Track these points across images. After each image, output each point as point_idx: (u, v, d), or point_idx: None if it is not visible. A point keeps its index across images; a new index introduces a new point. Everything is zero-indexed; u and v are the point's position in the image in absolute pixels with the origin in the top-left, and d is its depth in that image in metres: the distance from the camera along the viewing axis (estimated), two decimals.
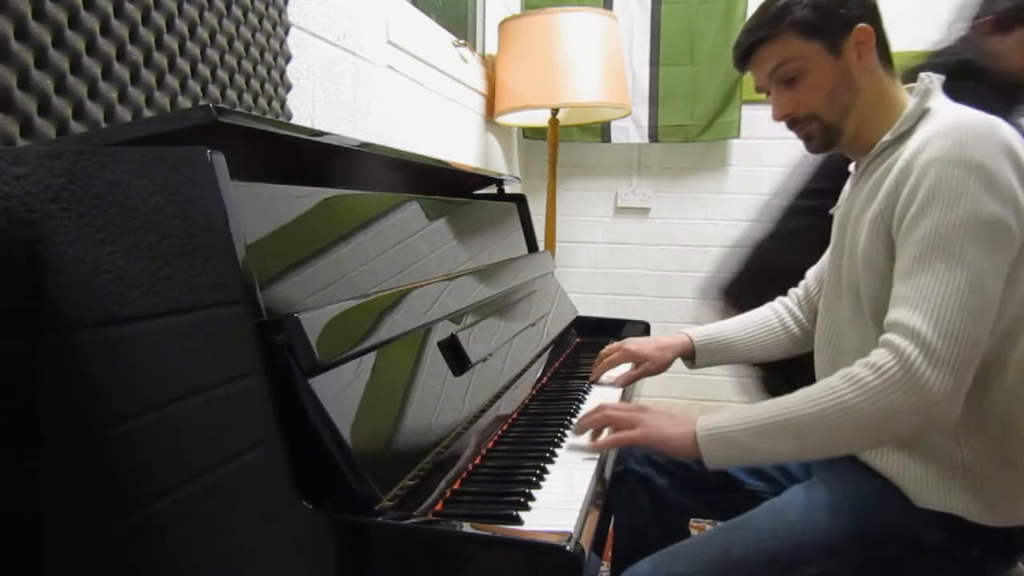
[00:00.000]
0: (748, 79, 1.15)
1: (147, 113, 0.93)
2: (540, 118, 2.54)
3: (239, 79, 1.13)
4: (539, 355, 1.38)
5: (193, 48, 1.02)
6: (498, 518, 0.77)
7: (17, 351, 0.49)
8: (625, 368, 1.39)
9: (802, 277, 1.36)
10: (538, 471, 0.90)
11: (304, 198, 0.86)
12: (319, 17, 1.45)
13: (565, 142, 2.82)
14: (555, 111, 2.46)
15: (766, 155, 2.81)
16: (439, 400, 0.91)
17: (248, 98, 1.15)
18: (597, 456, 0.99)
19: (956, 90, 1.04)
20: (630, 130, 2.87)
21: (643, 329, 1.76)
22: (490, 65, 2.57)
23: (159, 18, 0.96)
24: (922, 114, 1.00)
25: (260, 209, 0.76)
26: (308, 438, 0.68)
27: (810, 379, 0.98)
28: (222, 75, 1.09)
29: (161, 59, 0.96)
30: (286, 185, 0.82)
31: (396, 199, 1.11)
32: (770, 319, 1.36)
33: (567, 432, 1.07)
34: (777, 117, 1.08)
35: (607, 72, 2.32)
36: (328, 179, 1.07)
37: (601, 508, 0.87)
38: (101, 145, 0.64)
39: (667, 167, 2.93)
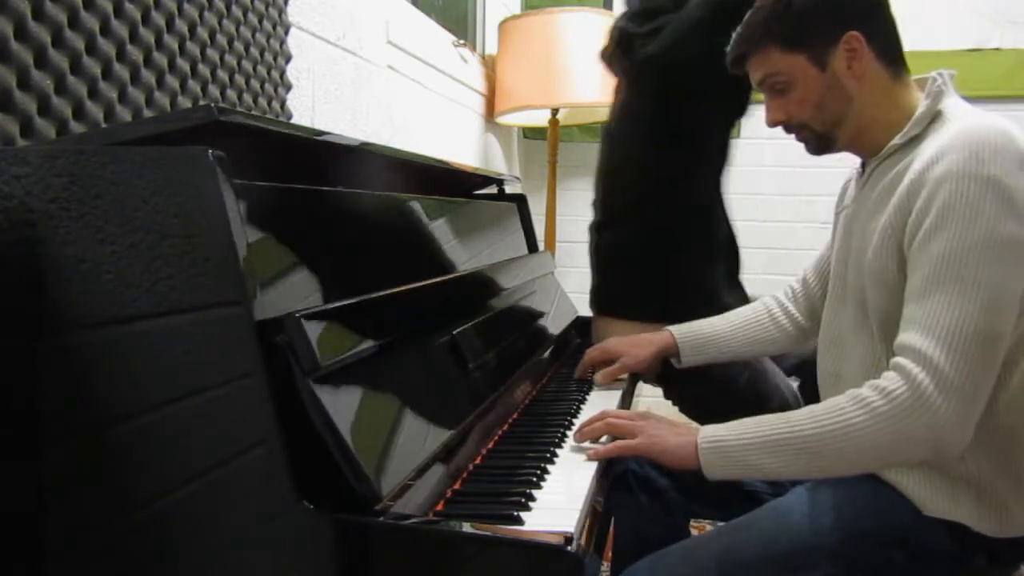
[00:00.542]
0: None
1: (147, 113, 0.93)
2: (540, 118, 2.54)
3: (239, 79, 1.13)
4: (539, 355, 1.38)
5: (193, 48, 1.02)
6: (499, 518, 0.77)
7: (17, 351, 0.49)
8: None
9: (676, 273, 1.36)
10: (539, 471, 0.90)
11: (304, 198, 0.86)
12: (319, 17, 1.45)
13: (565, 142, 2.82)
14: (555, 111, 2.46)
15: (766, 155, 2.81)
16: (439, 400, 0.91)
17: (248, 98, 1.15)
18: None
19: None
20: None
21: None
22: (490, 65, 2.57)
23: (159, 18, 0.96)
24: (934, 117, 0.97)
25: (260, 209, 0.75)
26: (308, 438, 0.67)
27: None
28: (222, 75, 1.09)
29: (161, 59, 0.96)
30: (286, 185, 0.82)
31: (396, 199, 1.11)
32: (760, 313, 1.35)
33: (568, 432, 1.07)
34: (770, 123, 1.08)
35: (607, 72, 2.32)
36: (328, 179, 1.06)
37: (602, 508, 0.87)
38: (101, 145, 0.64)
39: None
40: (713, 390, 1.46)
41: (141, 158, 0.58)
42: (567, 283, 1.83)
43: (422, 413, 0.85)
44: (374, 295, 0.87)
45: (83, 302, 0.51)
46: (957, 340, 0.84)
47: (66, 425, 0.50)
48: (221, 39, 1.09)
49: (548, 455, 0.97)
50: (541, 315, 1.49)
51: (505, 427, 1.09)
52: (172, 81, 0.98)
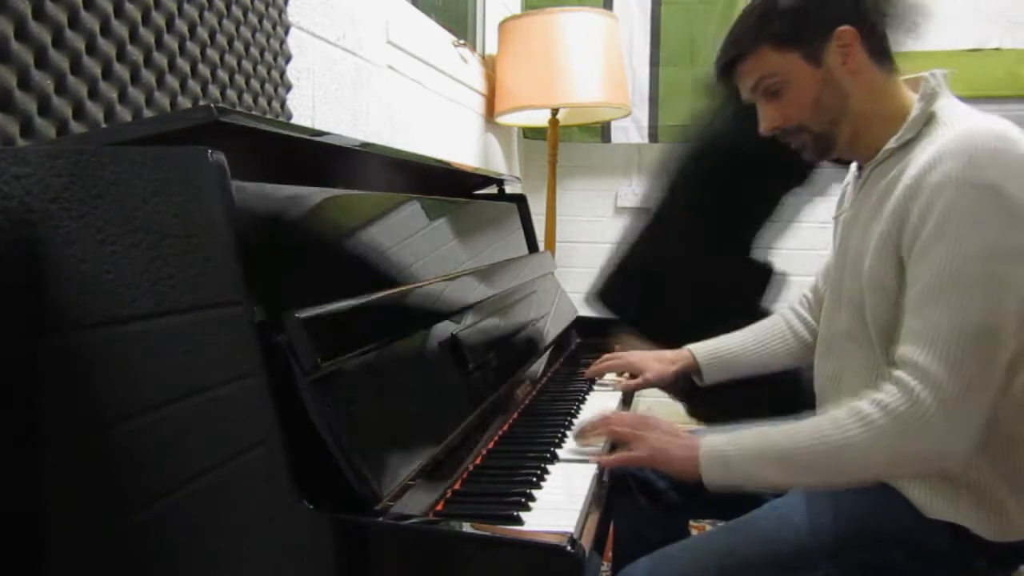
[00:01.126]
0: None
1: (147, 113, 0.93)
2: (540, 118, 2.54)
3: (239, 79, 1.13)
4: (539, 355, 1.38)
5: (193, 48, 1.02)
6: (499, 518, 0.77)
7: (17, 351, 0.49)
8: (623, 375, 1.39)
9: (679, 271, 1.36)
10: (539, 471, 0.90)
11: (304, 198, 0.86)
12: (319, 17, 1.45)
13: (565, 142, 2.81)
14: (555, 111, 2.46)
15: None
16: (439, 400, 0.91)
17: (248, 98, 1.15)
18: None
19: None
20: (630, 130, 2.87)
21: None
22: (490, 65, 2.57)
23: (159, 18, 0.96)
24: (928, 119, 0.95)
25: (260, 209, 0.75)
26: (308, 438, 0.67)
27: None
28: (222, 75, 1.09)
29: (161, 59, 0.96)
30: (286, 185, 0.82)
31: (396, 199, 1.10)
32: (778, 325, 1.33)
33: (568, 432, 1.07)
34: (766, 130, 1.04)
35: (607, 72, 2.32)
36: (328, 179, 1.06)
37: (601, 508, 0.87)
38: (101, 145, 0.64)
39: None
40: (742, 385, 1.44)
41: (141, 158, 0.58)
42: (567, 283, 1.83)
43: (422, 413, 0.85)
44: (374, 295, 0.87)
45: (83, 302, 0.51)
46: (958, 355, 0.83)
47: (66, 425, 0.50)
48: (221, 39, 1.09)
49: (548, 455, 0.97)
50: (541, 315, 1.49)
51: (505, 427, 1.09)
52: (172, 81, 0.98)
